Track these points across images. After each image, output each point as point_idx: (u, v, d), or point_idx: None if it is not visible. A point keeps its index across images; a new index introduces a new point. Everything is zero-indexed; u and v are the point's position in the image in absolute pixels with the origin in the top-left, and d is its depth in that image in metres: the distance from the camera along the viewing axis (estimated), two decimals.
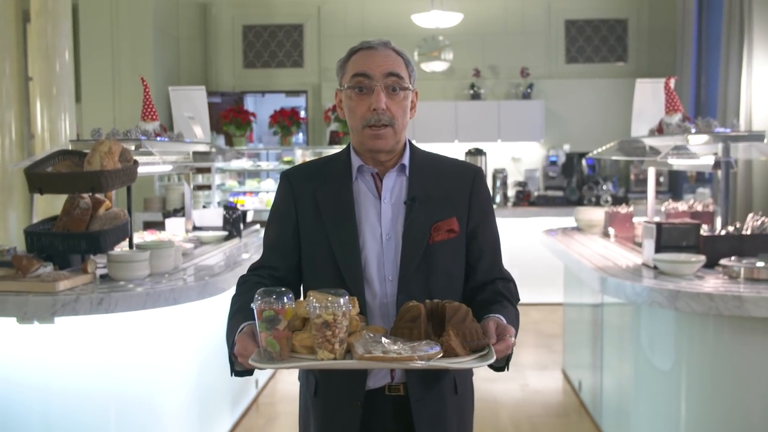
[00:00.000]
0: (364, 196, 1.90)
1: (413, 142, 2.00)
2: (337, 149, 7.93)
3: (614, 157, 5.51)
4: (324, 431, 1.89)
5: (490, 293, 1.88)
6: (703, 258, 3.40)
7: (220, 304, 3.92)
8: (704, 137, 3.77)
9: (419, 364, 1.51)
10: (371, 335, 1.61)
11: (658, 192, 8.49)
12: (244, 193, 8.38)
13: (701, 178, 8.28)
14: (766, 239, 3.54)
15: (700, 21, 8.69)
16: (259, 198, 8.24)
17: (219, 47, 9.82)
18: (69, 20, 6.81)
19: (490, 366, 1.65)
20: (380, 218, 1.88)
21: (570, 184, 8.46)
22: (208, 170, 7.14)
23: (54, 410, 3.34)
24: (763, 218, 3.67)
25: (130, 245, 3.70)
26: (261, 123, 9.79)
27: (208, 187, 7.73)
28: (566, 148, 9.20)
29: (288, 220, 1.94)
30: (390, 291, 1.84)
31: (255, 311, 1.56)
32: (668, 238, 3.55)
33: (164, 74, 8.87)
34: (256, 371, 1.67)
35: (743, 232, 3.60)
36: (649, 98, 5.07)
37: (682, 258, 3.40)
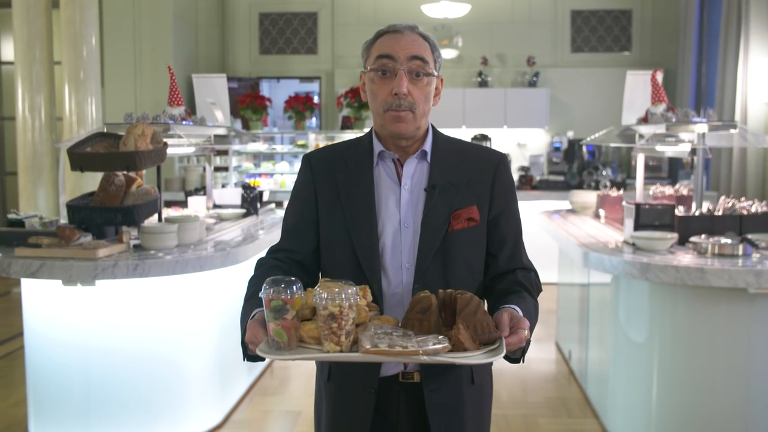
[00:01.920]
0: (384, 181, 1.87)
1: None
2: (348, 133, 8.38)
3: (611, 144, 5.85)
4: (337, 417, 1.87)
5: (509, 283, 1.83)
6: (675, 235, 3.76)
7: (239, 273, 4.33)
8: (682, 125, 4.12)
9: (424, 359, 1.48)
10: (379, 327, 1.59)
11: (659, 178, 8.85)
12: (260, 174, 8.77)
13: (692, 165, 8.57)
14: (735, 219, 3.90)
15: (701, 13, 8.98)
16: (274, 179, 8.62)
17: (236, 34, 10.19)
18: (96, 8, 7.19)
19: (505, 357, 1.61)
20: (399, 205, 1.84)
21: (571, 170, 8.79)
22: (225, 152, 7.53)
23: (92, 367, 3.74)
24: (733, 200, 4.02)
25: (159, 219, 4.10)
26: (275, 107, 10.17)
27: (226, 169, 8.13)
28: (570, 134, 9.54)
29: (308, 204, 1.91)
30: (406, 279, 1.81)
31: (263, 300, 1.54)
32: (645, 218, 3.91)
33: (183, 60, 9.25)
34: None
35: (715, 213, 3.95)
36: (640, 89, 5.40)
37: (656, 235, 3.76)
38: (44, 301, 3.78)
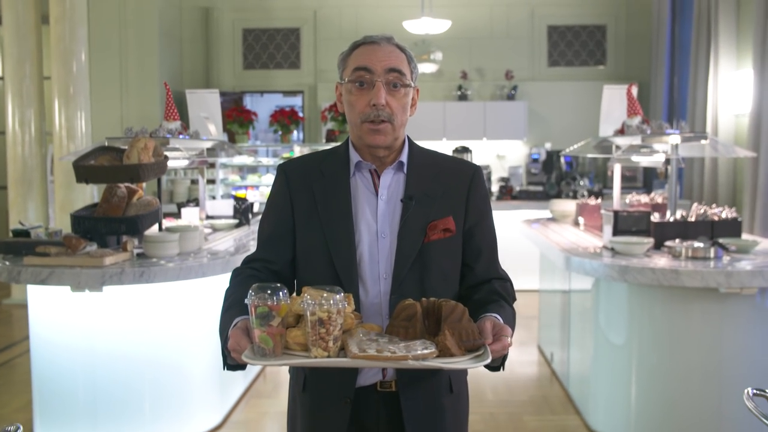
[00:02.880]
0: (361, 192, 1.88)
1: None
2: (333, 146, 8.55)
3: (588, 155, 6.09)
4: (312, 427, 1.88)
5: (486, 293, 1.86)
6: (651, 240, 3.99)
7: None
8: (657, 137, 4.36)
9: (413, 364, 1.50)
10: (366, 333, 1.62)
11: (634, 188, 9.13)
12: (246, 187, 8.93)
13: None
14: (707, 225, 4.14)
15: (673, 28, 9.30)
16: (260, 191, 8.78)
17: (220, 49, 10.37)
18: (85, 26, 7.35)
19: (486, 366, 1.63)
20: (376, 215, 1.86)
21: (549, 180, 9.04)
22: (212, 165, 7.68)
23: (99, 371, 3.89)
24: (705, 207, 4.27)
25: (160, 228, 4.26)
26: (260, 121, 10.35)
27: (213, 181, 8.27)
28: (548, 146, 9.81)
29: (284, 214, 1.91)
30: (384, 289, 1.82)
31: (249, 307, 1.55)
32: (623, 224, 4.15)
33: (169, 75, 9.41)
34: (248, 365, 1.63)
35: (688, 219, 4.19)
36: (617, 102, 5.64)
37: (634, 240, 3.99)
38: (50, 308, 3.92)
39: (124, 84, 9.20)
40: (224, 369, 1.74)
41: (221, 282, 4.15)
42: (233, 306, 1.73)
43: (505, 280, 1.93)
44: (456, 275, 1.90)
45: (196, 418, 4.15)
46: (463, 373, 1.96)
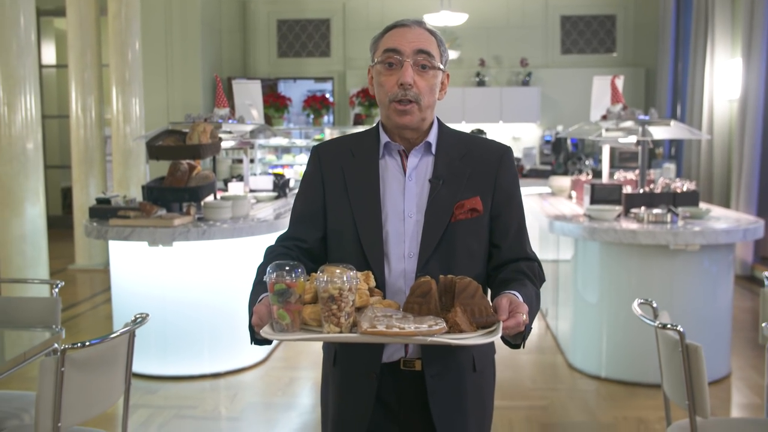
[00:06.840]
0: (389, 172, 1.89)
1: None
2: (360, 129, 9.41)
3: (581, 137, 6.88)
4: (341, 401, 1.91)
5: (511, 272, 1.85)
6: (620, 208, 4.80)
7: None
8: (630, 121, 5.16)
9: (420, 339, 1.52)
10: (380, 310, 1.62)
11: (634, 167, 9.87)
12: (282, 165, 9.82)
13: (668, 155, 9.62)
14: (670, 196, 4.93)
15: (677, 17, 9.99)
16: (294, 170, 9.67)
17: (256, 39, 11.27)
18: (138, 19, 8.26)
19: (506, 343, 1.66)
20: (404, 195, 1.87)
21: (558, 160, 9.83)
22: (251, 146, 8.58)
23: (168, 314, 4.78)
24: (668, 181, 5.06)
25: (215, 197, 5.15)
26: (293, 105, 11.23)
27: (252, 161, 9.17)
28: (559, 128, 10.57)
29: (316, 193, 1.94)
30: (410, 268, 1.83)
31: (267, 284, 1.59)
32: (599, 195, 4.96)
33: (210, 63, 10.32)
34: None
35: (654, 191, 4.99)
36: (607, 91, 6.41)
37: (606, 208, 4.81)
38: (128, 263, 4.84)
39: (169, 72, 10.12)
40: (252, 344, 1.80)
41: (266, 240, 5.04)
42: (261, 282, 1.77)
43: (533, 260, 1.92)
44: (482, 255, 1.90)
45: (245, 354, 5.04)
46: (489, 351, 1.96)
